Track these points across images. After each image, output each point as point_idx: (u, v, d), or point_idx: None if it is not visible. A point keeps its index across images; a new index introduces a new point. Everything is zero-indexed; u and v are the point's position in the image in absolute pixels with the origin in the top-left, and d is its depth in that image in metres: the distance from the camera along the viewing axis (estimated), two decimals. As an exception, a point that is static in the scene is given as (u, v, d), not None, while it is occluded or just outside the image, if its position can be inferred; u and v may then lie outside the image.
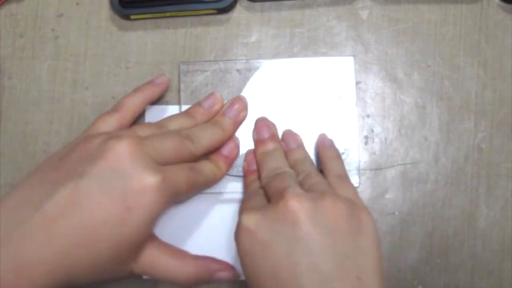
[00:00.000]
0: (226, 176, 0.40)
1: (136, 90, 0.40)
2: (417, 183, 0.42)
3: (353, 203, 0.33)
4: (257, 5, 0.43)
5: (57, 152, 0.35)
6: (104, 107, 0.42)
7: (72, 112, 0.43)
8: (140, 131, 0.35)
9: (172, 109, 0.41)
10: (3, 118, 0.43)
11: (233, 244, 0.40)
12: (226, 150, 0.39)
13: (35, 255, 0.30)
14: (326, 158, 0.39)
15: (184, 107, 0.41)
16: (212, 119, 0.39)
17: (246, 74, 0.41)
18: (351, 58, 0.42)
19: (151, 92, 0.40)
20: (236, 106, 0.40)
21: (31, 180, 0.33)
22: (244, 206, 0.35)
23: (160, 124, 0.37)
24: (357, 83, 0.42)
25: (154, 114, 0.42)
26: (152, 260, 0.34)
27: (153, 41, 0.43)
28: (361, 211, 0.33)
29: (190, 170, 0.36)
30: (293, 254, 0.31)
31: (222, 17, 0.43)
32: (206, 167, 0.38)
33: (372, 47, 0.43)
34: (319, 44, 0.43)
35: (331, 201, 0.32)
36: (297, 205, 0.31)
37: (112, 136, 0.33)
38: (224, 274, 0.37)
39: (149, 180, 0.31)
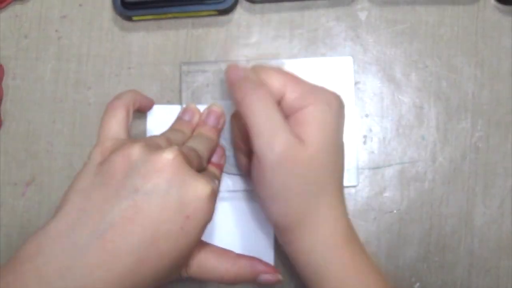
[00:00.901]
0: (231, 176, 0.41)
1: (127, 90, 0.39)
2: (415, 182, 0.42)
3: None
4: (257, 6, 0.43)
5: (86, 166, 0.33)
6: (107, 107, 0.43)
7: (75, 112, 0.43)
8: (161, 142, 0.35)
9: (174, 109, 0.42)
10: (7, 117, 0.43)
11: (245, 240, 0.41)
12: (215, 158, 0.39)
13: (100, 282, 0.29)
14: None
15: (186, 107, 0.42)
16: (197, 131, 0.39)
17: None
18: (350, 58, 0.42)
19: (140, 96, 0.39)
20: (213, 114, 0.40)
21: (75, 201, 0.31)
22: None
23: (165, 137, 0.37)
24: (356, 83, 0.43)
25: (156, 114, 0.42)
26: (199, 262, 0.34)
27: (155, 42, 0.43)
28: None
29: (213, 175, 0.36)
30: None
31: (223, 18, 0.43)
32: (211, 171, 0.38)
33: (370, 47, 0.43)
34: (319, 44, 0.43)
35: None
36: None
37: (151, 146, 0.32)
38: (268, 277, 0.36)
39: (204, 188, 0.31)
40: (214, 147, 0.39)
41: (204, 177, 0.32)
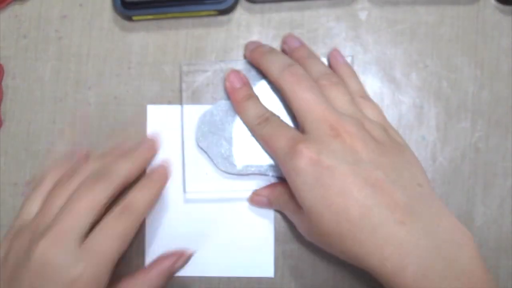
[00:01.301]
0: (231, 176, 0.41)
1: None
2: (415, 182, 0.42)
3: (384, 126, 0.37)
4: (257, 6, 0.44)
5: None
6: (107, 107, 0.43)
7: (75, 112, 0.43)
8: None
9: (174, 109, 0.42)
10: (7, 117, 0.43)
11: (245, 240, 0.41)
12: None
13: None
14: (342, 77, 0.40)
15: (186, 107, 0.42)
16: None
17: (246, 74, 0.41)
18: (350, 58, 0.42)
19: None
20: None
21: None
22: (288, 136, 0.35)
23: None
24: (356, 83, 0.43)
25: (156, 114, 0.42)
26: None
27: (155, 42, 0.43)
28: (393, 131, 0.38)
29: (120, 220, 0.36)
30: (359, 172, 0.32)
31: (223, 18, 0.43)
32: (138, 196, 0.37)
33: (370, 47, 0.43)
34: (319, 44, 0.43)
35: (371, 127, 0.36)
36: (352, 132, 0.34)
37: (35, 237, 0.34)
38: (179, 263, 0.39)
39: (75, 272, 0.32)
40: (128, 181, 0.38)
41: (75, 256, 0.33)
